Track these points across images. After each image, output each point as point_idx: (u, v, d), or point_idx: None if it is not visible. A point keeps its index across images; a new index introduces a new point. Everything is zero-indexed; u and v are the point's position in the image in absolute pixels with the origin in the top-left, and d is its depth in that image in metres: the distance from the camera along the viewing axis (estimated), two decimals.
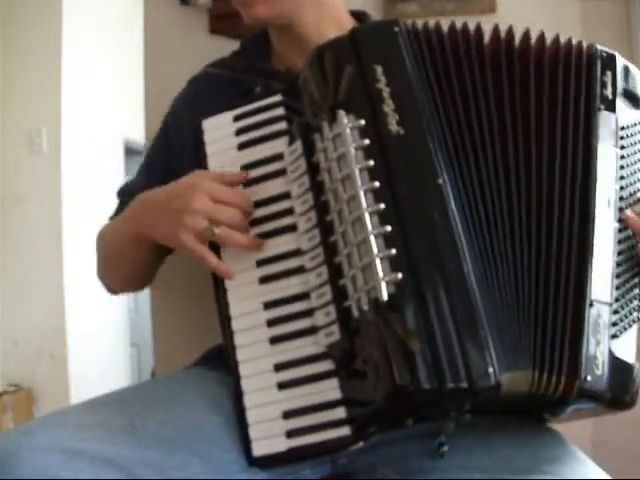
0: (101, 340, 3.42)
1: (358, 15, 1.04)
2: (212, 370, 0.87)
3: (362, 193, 0.71)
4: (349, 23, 0.99)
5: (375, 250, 0.69)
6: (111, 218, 1.05)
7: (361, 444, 0.71)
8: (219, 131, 0.86)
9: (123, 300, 3.61)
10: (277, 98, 0.84)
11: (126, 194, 1.04)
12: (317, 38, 0.93)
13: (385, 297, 0.68)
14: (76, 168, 3.21)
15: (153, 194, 0.86)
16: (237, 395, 0.77)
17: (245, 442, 0.75)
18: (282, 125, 0.82)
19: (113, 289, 1.09)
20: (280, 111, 0.83)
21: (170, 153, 1.03)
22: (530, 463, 0.74)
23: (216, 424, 0.77)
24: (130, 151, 3.65)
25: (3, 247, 3.18)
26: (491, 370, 0.66)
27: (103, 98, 3.45)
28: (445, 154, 0.74)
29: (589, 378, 0.70)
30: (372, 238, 0.70)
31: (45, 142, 3.17)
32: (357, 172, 0.72)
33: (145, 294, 1.27)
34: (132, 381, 3.64)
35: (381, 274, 0.68)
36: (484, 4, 1.36)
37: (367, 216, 0.71)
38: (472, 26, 0.79)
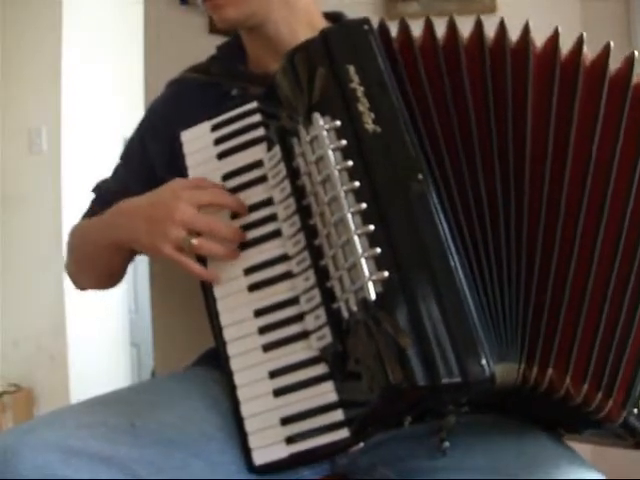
0: (101, 340, 3.41)
1: (333, 16, 1.04)
2: (211, 370, 0.87)
3: (343, 194, 0.71)
4: (322, 24, 0.99)
5: (360, 250, 0.69)
6: (84, 216, 1.06)
7: (361, 445, 0.71)
8: (198, 142, 0.86)
9: (123, 300, 3.60)
10: (253, 105, 0.84)
11: (102, 191, 1.06)
12: (289, 39, 0.93)
13: (373, 296, 0.67)
14: (76, 168, 3.21)
15: (132, 203, 0.86)
16: (234, 404, 0.76)
17: (245, 451, 0.74)
18: (260, 131, 0.82)
19: (81, 287, 1.11)
20: (257, 118, 0.83)
21: (147, 156, 1.04)
22: (529, 464, 0.74)
23: (215, 424, 0.77)
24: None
25: (3, 247, 3.18)
26: (484, 362, 0.66)
27: (103, 98, 3.45)
28: (429, 149, 0.73)
29: (635, 411, 0.71)
30: (356, 238, 0.69)
31: (45, 142, 3.16)
32: (336, 173, 0.72)
33: (145, 294, 1.27)
34: (132, 381, 3.64)
35: (367, 273, 0.68)
36: (484, 4, 1.37)
37: (349, 217, 0.70)
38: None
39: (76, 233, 1.04)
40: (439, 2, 1.40)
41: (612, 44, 0.78)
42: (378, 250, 0.68)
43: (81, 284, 1.10)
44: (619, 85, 0.76)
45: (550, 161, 0.74)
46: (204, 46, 1.09)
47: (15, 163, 3.20)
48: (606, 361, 0.71)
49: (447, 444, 0.74)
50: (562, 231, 0.73)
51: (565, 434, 0.83)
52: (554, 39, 0.78)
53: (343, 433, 0.71)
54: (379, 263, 0.68)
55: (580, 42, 0.78)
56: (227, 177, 0.83)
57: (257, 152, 0.82)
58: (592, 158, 0.74)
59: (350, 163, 0.72)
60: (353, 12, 1.05)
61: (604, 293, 0.72)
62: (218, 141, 0.85)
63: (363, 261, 0.68)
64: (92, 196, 1.08)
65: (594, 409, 0.71)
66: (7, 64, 3.22)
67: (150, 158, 1.03)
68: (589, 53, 0.78)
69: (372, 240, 0.69)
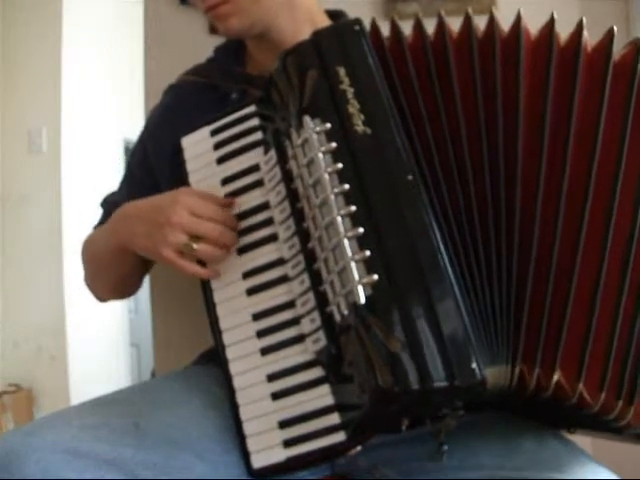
0: (101, 340, 3.41)
1: (334, 15, 1.03)
2: (213, 369, 0.87)
3: (333, 197, 0.70)
4: (324, 22, 0.98)
5: (349, 253, 0.68)
6: (95, 227, 1.06)
7: (359, 448, 0.71)
8: (198, 147, 0.86)
9: (123, 300, 3.60)
10: (252, 108, 0.84)
11: (109, 204, 1.05)
12: (293, 41, 0.93)
13: (362, 300, 0.67)
14: (76, 168, 3.21)
15: (135, 206, 0.86)
16: (233, 407, 0.76)
17: (244, 454, 0.74)
18: (258, 135, 0.82)
19: (101, 297, 1.10)
20: (255, 121, 0.83)
21: (149, 165, 1.04)
22: (531, 462, 0.74)
23: (218, 425, 0.77)
24: (130, 151, 3.64)
25: (3, 247, 3.18)
26: (475, 365, 0.65)
27: (103, 98, 3.45)
28: (420, 149, 0.73)
29: None
30: (345, 241, 0.69)
31: (45, 142, 3.17)
32: (326, 176, 0.71)
33: (145, 294, 1.27)
34: (132, 381, 3.64)
35: (357, 277, 0.67)
36: (484, 4, 1.37)
37: (339, 219, 0.69)
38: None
39: (87, 244, 1.04)
40: (439, 2, 1.39)
41: (615, 28, 0.74)
42: (368, 253, 0.68)
43: (99, 295, 1.09)
44: (625, 71, 0.73)
45: (546, 153, 0.72)
46: (204, 46, 1.09)
47: (15, 163, 3.20)
48: (624, 368, 0.70)
49: (446, 447, 0.73)
50: (562, 229, 0.71)
51: (574, 432, 0.82)
52: (550, 25, 0.76)
53: (340, 437, 0.70)
54: (369, 266, 0.67)
55: (580, 27, 0.75)
56: (226, 181, 0.83)
57: (255, 156, 0.82)
58: (597, 147, 0.72)
59: (340, 165, 0.71)
60: (353, 12, 1.05)
61: (616, 297, 0.71)
62: (217, 146, 0.84)
63: (353, 264, 0.68)
64: (101, 210, 1.08)
65: (615, 417, 0.71)
66: (7, 64, 3.22)
67: (152, 167, 1.03)
68: (589, 44, 0.75)
69: (362, 243, 0.68)
